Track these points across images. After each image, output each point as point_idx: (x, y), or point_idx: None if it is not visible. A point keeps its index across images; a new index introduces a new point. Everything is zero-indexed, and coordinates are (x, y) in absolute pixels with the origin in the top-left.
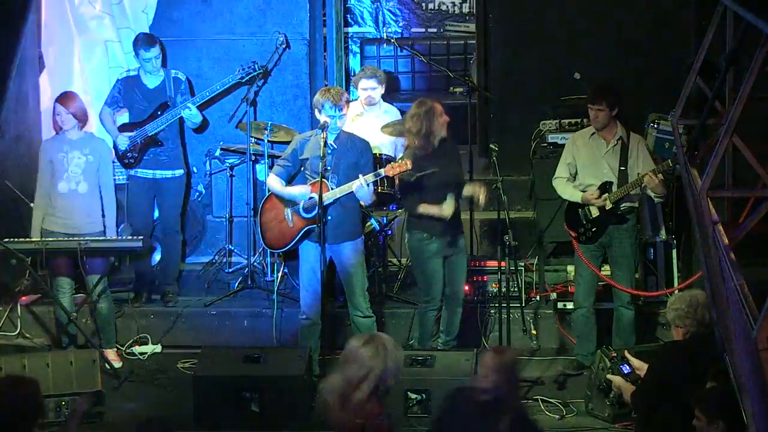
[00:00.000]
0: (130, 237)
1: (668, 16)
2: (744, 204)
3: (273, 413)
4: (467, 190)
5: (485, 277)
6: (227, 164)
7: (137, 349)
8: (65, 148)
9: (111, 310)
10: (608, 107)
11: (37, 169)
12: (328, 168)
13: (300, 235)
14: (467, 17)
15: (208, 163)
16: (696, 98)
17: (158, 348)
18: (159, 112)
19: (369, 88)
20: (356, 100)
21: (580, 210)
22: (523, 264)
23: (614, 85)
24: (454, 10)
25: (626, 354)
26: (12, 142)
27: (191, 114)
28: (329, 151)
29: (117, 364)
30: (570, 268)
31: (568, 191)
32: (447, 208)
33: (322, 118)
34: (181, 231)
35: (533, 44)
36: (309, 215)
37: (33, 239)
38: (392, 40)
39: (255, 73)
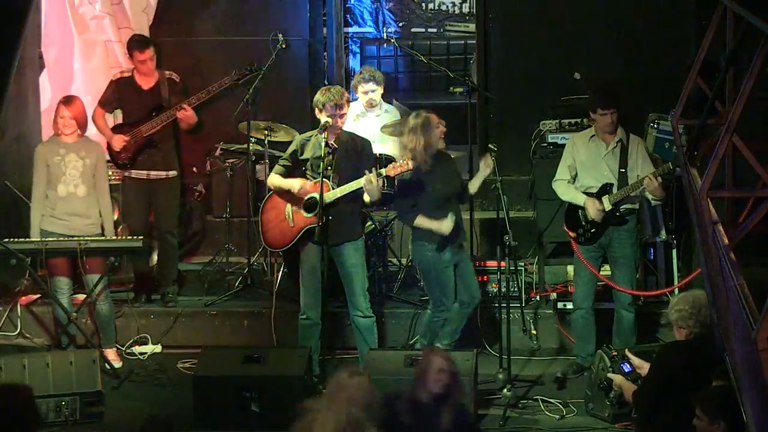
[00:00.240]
0: (129, 237)
1: (668, 16)
2: (744, 204)
3: (273, 413)
4: (483, 166)
5: (485, 277)
6: (227, 164)
7: (137, 349)
8: (61, 152)
9: (111, 310)
10: (618, 110)
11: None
12: (329, 168)
13: (300, 234)
14: (467, 17)
15: (208, 163)
16: (696, 98)
17: (158, 348)
18: (153, 113)
19: (369, 91)
20: (356, 100)
21: (579, 211)
22: (523, 264)
23: (614, 88)
24: (454, 10)
25: (627, 352)
26: (12, 142)
27: (187, 115)
28: (330, 151)
29: (117, 364)
30: (570, 268)
31: (569, 194)
32: (447, 225)
33: (322, 117)
34: (177, 232)
35: (533, 44)
36: (310, 214)
37: (33, 239)
38: (392, 40)
39: (251, 75)
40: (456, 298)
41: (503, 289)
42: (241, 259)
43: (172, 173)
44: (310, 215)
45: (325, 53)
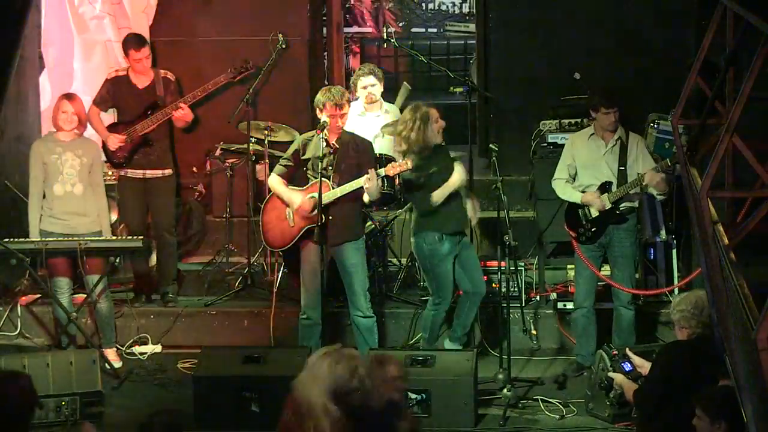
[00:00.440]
0: (129, 237)
1: (668, 17)
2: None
3: (273, 413)
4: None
5: (485, 277)
6: (227, 164)
7: (137, 349)
8: (58, 150)
9: (111, 310)
10: (620, 110)
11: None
12: (330, 167)
13: (300, 234)
14: (467, 17)
15: (208, 163)
16: (696, 98)
17: (158, 348)
18: (149, 112)
19: (369, 85)
20: (356, 100)
21: (579, 210)
22: (523, 264)
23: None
24: (454, 10)
25: (628, 351)
26: (12, 142)
27: (183, 114)
28: (331, 151)
29: (117, 364)
30: (570, 268)
31: (567, 192)
32: (457, 174)
33: (323, 117)
34: (176, 231)
35: (533, 44)
36: (310, 215)
37: (33, 239)
38: (392, 40)
39: (246, 72)
40: (462, 288)
41: (503, 289)
42: (241, 259)
43: (168, 172)
44: (310, 215)
45: (325, 53)
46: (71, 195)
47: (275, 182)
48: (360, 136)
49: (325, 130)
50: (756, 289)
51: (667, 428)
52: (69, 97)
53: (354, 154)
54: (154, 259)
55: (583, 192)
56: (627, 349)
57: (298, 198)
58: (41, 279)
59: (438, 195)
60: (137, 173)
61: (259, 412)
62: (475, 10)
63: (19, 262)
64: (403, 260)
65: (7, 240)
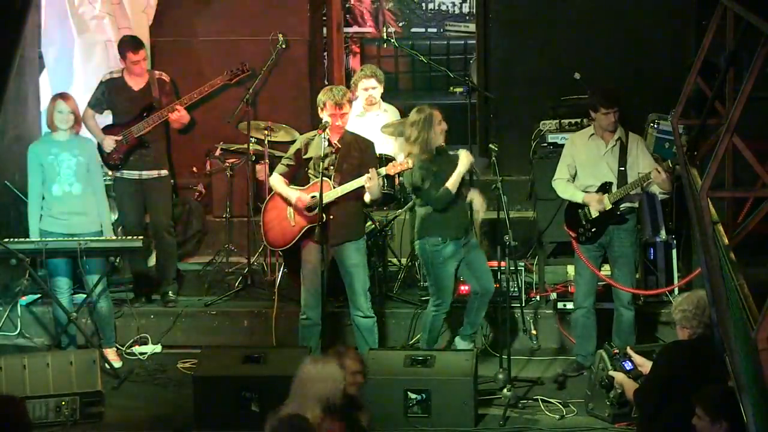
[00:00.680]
0: (129, 237)
1: (668, 16)
2: (744, 204)
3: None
4: (469, 196)
5: None
6: (227, 164)
7: (137, 349)
8: (54, 151)
9: (110, 310)
10: (619, 110)
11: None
12: (331, 167)
13: (301, 234)
14: (467, 17)
15: (208, 163)
16: (696, 98)
17: (158, 348)
18: (145, 114)
19: (370, 88)
20: (356, 100)
21: (579, 210)
22: (523, 264)
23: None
24: (454, 10)
25: (629, 350)
26: (12, 142)
27: (180, 116)
28: (333, 151)
29: (117, 364)
30: (570, 268)
31: (568, 192)
32: (464, 158)
33: (324, 116)
34: (176, 232)
35: (533, 44)
36: (311, 214)
37: (33, 239)
38: (392, 40)
39: (243, 75)
40: (471, 289)
41: (503, 289)
42: (241, 259)
43: (164, 172)
44: (310, 214)
45: (325, 53)
46: (70, 195)
47: (276, 181)
48: (362, 136)
49: (327, 130)
50: (756, 289)
51: (668, 428)
52: (63, 96)
53: (356, 154)
54: (153, 259)
55: (583, 192)
56: (628, 347)
57: (294, 195)
58: (41, 279)
59: (452, 183)
60: (133, 174)
61: (259, 412)
62: (475, 10)
63: (19, 262)
64: (403, 260)
65: (7, 240)
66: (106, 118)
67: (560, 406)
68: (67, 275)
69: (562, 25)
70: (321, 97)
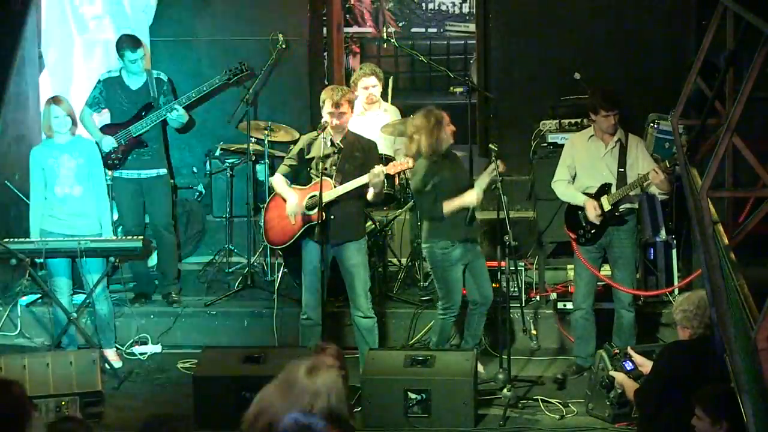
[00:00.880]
0: (129, 237)
1: (668, 16)
2: (744, 204)
3: None
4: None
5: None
6: (227, 164)
7: (137, 349)
8: (54, 153)
9: (111, 310)
10: (620, 112)
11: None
12: (334, 167)
13: (301, 232)
14: (467, 17)
15: (208, 163)
16: (696, 98)
17: (158, 348)
18: (143, 113)
19: (370, 86)
20: (355, 99)
21: (579, 212)
22: (523, 264)
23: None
24: (454, 10)
25: (629, 350)
26: (12, 142)
27: (178, 115)
28: (336, 151)
29: (117, 364)
30: (570, 268)
31: (568, 194)
32: (472, 195)
33: (324, 115)
34: (176, 231)
35: (533, 44)
36: (311, 213)
37: (33, 239)
38: (392, 40)
39: (242, 74)
40: (470, 298)
41: (503, 289)
42: (241, 259)
43: (163, 171)
44: (311, 213)
45: (325, 53)
46: (70, 197)
47: (277, 181)
48: (364, 136)
49: (327, 129)
50: (756, 289)
51: (668, 428)
52: (55, 100)
53: (358, 155)
54: (154, 259)
55: (583, 192)
56: (629, 347)
57: (293, 197)
58: (41, 279)
59: (448, 208)
60: (132, 174)
61: None
62: (475, 10)
63: (19, 262)
64: (403, 260)
65: (7, 240)
66: (107, 119)
67: (560, 406)
68: (67, 275)
69: (562, 25)
70: (322, 95)
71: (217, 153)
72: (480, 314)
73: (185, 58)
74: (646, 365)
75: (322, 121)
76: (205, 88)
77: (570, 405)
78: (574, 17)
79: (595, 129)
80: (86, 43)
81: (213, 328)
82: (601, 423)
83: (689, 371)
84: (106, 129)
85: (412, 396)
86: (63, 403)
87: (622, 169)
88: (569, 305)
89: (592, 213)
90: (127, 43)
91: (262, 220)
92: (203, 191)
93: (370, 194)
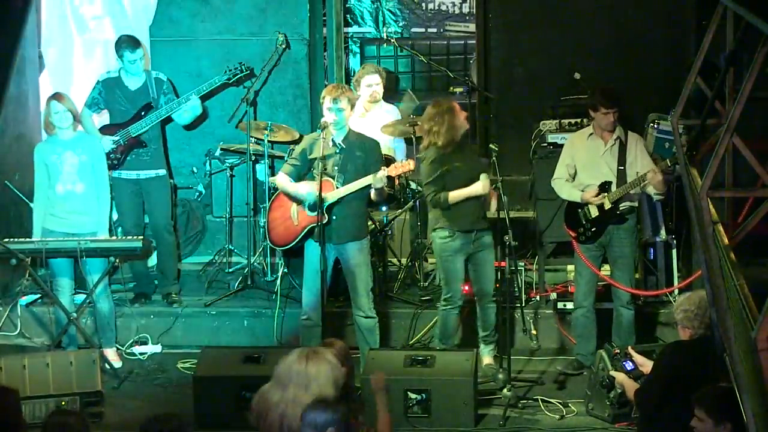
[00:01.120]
0: (129, 237)
1: (668, 16)
2: (744, 204)
3: None
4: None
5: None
6: (227, 164)
7: (137, 349)
8: (58, 150)
9: (111, 310)
10: (619, 110)
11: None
12: (336, 167)
13: (304, 233)
14: (467, 17)
15: (208, 163)
16: (696, 98)
17: (158, 348)
18: (142, 113)
19: (373, 83)
20: (358, 98)
21: (579, 210)
22: (523, 264)
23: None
24: (454, 10)
25: (629, 350)
26: (12, 141)
27: (194, 106)
28: (338, 151)
29: (117, 364)
30: (570, 268)
31: (566, 191)
32: (480, 185)
33: (324, 114)
34: (176, 231)
35: (533, 44)
36: (314, 213)
37: (33, 239)
38: (392, 40)
39: (241, 74)
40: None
41: (504, 289)
42: (241, 259)
43: (162, 172)
44: (313, 214)
45: (325, 53)
46: (72, 194)
47: (281, 180)
48: (367, 136)
49: (329, 129)
50: (756, 289)
51: (668, 428)
52: (56, 96)
53: (360, 154)
54: (154, 259)
55: (582, 192)
56: (629, 347)
57: (305, 185)
58: (41, 279)
59: (453, 196)
60: (131, 175)
61: None
62: (475, 10)
63: (19, 262)
64: (403, 260)
65: (7, 240)
66: (107, 119)
67: (560, 406)
68: (69, 275)
69: (562, 25)
70: (322, 93)
71: (217, 153)
72: (481, 306)
73: (185, 58)
74: (646, 365)
75: (323, 120)
76: (204, 88)
77: (570, 405)
78: (574, 17)
79: (595, 127)
80: (86, 43)
81: (213, 328)
82: (601, 423)
83: (690, 371)
84: (105, 129)
85: (412, 396)
86: (63, 403)
87: (622, 167)
88: (569, 305)
89: (594, 198)
90: (126, 43)
91: (265, 221)
92: (203, 191)
93: (373, 194)
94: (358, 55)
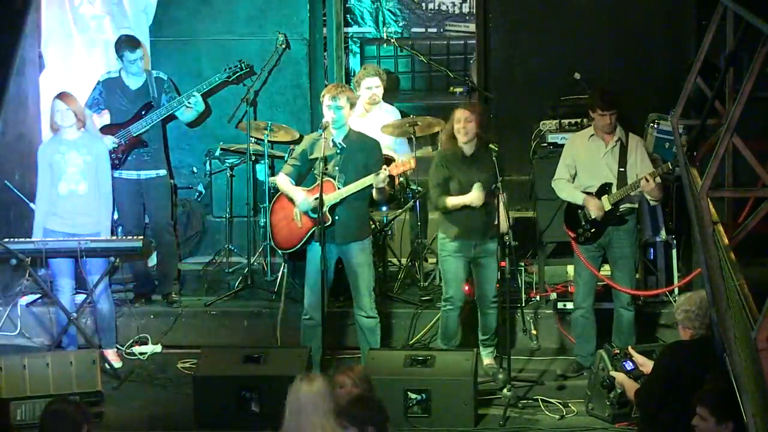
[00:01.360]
0: (129, 237)
1: (668, 16)
2: (744, 204)
3: (273, 413)
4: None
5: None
6: (227, 164)
7: (137, 349)
8: (62, 149)
9: (111, 310)
10: (618, 112)
11: (37, 169)
12: (336, 167)
13: (309, 235)
14: (467, 17)
15: (208, 163)
16: (696, 98)
17: (158, 348)
18: (143, 113)
19: (373, 86)
20: (358, 99)
21: (579, 211)
22: (523, 264)
23: (615, 89)
24: (454, 10)
25: (630, 350)
26: (12, 141)
27: (196, 102)
28: (338, 150)
29: (117, 364)
30: (570, 268)
31: (566, 192)
32: (474, 195)
33: (324, 114)
34: (176, 232)
35: (533, 44)
36: (316, 215)
37: (33, 239)
38: (392, 40)
39: (241, 72)
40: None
41: (504, 289)
42: (241, 259)
43: (162, 172)
44: (316, 215)
45: (325, 53)
46: (75, 194)
47: (282, 181)
48: (368, 135)
49: (329, 129)
50: (756, 289)
51: (668, 428)
52: (60, 96)
53: (361, 154)
54: (154, 259)
55: (583, 192)
56: (629, 347)
57: (300, 194)
58: (41, 279)
59: (450, 203)
60: (132, 175)
61: (259, 412)
62: (475, 10)
63: (20, 262)
64: (403, 260)
65: (7, 240)
66: (108, 120)
67: (560, 406)
68: (69, 275)
69: (562, 25)
70: (322, 92)
71: (217, 153)
72: (481, 311)
73: (185, 58)
74: (646, 365)
75: (324, 120)
76: (205, 86)
77: (570, 405)
78: (574, 17)
79: (595, 128)
80: (86, 43)
81: (213, 328)
82: (601, 423)
83: (690, 371)
84: (105, 129)
85: (412, 396)
86: None
87: (623, 169)
88: (569, 305)
89: (594, 209)
90: (126, 43)
91: (268, 224)
92: (203, 191)
93: (375, 194)
94: (358, 55)
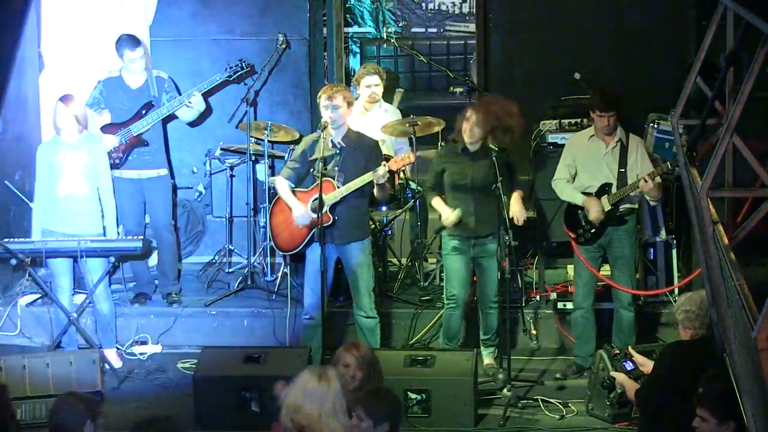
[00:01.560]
0: (129, 237)
1: (668, 16)
2: (744, 204)
3: (273, 413)
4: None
5: None
6: (227, 164)
7: (137, 349)
8: (62, 150)
9: (111, 310)
10: (617, 113)
11: (34, 169)
12: (336, 167)
13: (310, 236)
14: (467, 17)
15: (208, 163)
16: (696, 98)
17: (158, 348)
18: (144, 112)
19: (373, 84)
20: (357, 98)
21: (579, 211)
22: (523, 264)
23: (615, 89)
24: (454, 10)
25: (630, 350)
26: (12, 141)
27: (197, 101)
28: (337, 150)
29: (117, 364)
30: (570, 268)
31: (566, 193)
32: (448, 218)
33: (322, 114)
34: (176, 231)
35: (533, 44)
36: (316, 216)
37: (33, 239)
38: (392, 40)
39: (242, 72)
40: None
41: (503, 289)
42: (241, 259)
43: (163, 172)
44: (316, 216)
45: (325, 53)
46: (74, 195)
47: (281, 186)
48: (367, 135)
49: (328, 129)
50: (756, 289)
51: (669, 428)
52: (62, 99)
53: (360, 154)
54: (154, 258)
55: (583, 192)
56: (629, 347)
57: (299, 207)
58: (41, 279)
59: (433, 201)
60: (132, 174)
61: (259, 412)
62: (475, 10)
63: (20, 262)
64: (403, 260)
65: (7, 240)
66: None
67: (560, 406)
68: (69, 275)
69: (562, 25)
70: (319, 92)
71: (217, 153)
72: (482, 311)
73: (185, 58)
74: (647, 365)
75: (322, 120)
76: (206, 86)
77: (570, 405)
78: (574, 17)
79: (595, 128)
80: (86, 42)
81: (213, 328)
82: (601, 423)
83: (690, 371)
84: (106, 128)
85: (412, 396)
86: None
87: (623, 169)
88: (569, 305)
89: (594, 211)
90: (126, 42)
91: (269, 226)
92: (203, 191)
93: (375, 191)
94: (358, 55)
